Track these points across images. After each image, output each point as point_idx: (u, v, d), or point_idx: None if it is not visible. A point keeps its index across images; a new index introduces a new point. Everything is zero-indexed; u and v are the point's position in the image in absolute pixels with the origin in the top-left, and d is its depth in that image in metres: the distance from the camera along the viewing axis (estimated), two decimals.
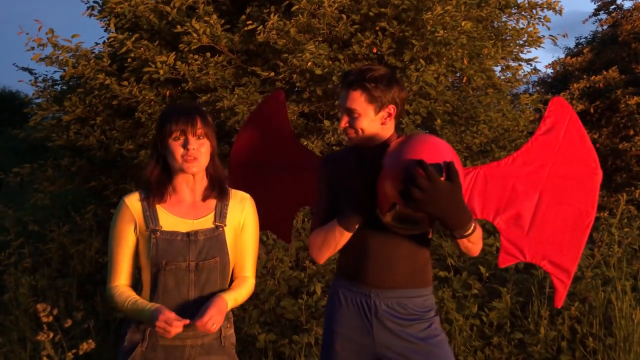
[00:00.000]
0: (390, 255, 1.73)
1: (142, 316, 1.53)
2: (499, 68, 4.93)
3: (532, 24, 4.81)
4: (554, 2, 4.71)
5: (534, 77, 10.18)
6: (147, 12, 4.10)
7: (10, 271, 3.84)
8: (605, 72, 8.20)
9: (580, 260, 3.28)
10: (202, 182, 1.64)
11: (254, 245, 1.72)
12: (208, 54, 4.01)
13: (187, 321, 1.47)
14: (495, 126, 4.28)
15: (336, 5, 3.80)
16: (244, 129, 2.21)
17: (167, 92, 4.28)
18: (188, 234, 1.58)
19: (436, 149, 1.47)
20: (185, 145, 1.55)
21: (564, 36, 5.59)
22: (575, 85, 8.24)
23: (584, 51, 9.43)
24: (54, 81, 5.01)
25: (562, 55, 11.50)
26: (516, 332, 3.04)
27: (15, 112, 13.12)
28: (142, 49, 4.03)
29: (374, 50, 3.93)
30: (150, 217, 1.58)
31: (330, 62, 3.80)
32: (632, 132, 8.19)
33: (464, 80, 4.45)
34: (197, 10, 4.01)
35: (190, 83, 4.00)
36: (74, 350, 2.05)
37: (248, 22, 3.92)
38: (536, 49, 4.88)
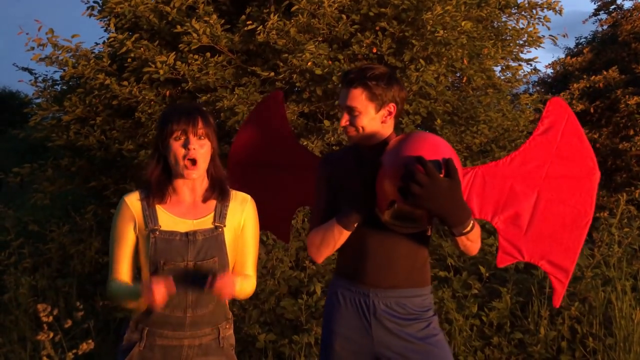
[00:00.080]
0: (389, 254, 1.73)
1: (136, 293, 1.52)
2: (499, 68, 4.93)
3: (532, 24, 4.81)
4: (554, 2, 4.71)
5: (534, 77, 10.18)
6: (147, 12, 4.11)
7: (10, 271, 3.84)
8: (605, 72, 8.20)
9: (580, 260, 3.31)
10: (203, 183, 1.64)
11: (254, 246, 1.72)
12: (208, 54, 4.01)
13: (172, 280, 1.46)
14: (495, 126, 4.28)
15: (336, 5, 3.80)
16: (243, 129, 2.21)
17: (167, 92, 4.28)
18: (187, 234, 1.58)
19: (435, 147, 1.48)
20: (186, 145, 1.55)
21: (564, 36, 5.59)
22: (575, 85, 8.24)
23: (584, 51, 9.43)
24: (54, 81, 5.02)
25: (562, 55, 11.51)
26: (516, 332, 3.04)
27: (15, 112, 13.12)
28: (142, 49, 4.04)
29: (374, 50, 3.93)
30: (149, 216, 1.58)
31: (330, 62, 3.80)
32: (632, 132, 8.19)
33: (464, 80, 4.45)
34: (197, 10, 4.01)
35: (190, 83, 4.00)
36: (74, 350, 2.05)
37: (248, 22, 3.92)
38: (536, 49, 4.89)
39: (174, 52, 4.00)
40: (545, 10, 4.77)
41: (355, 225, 1.68)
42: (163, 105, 4.22)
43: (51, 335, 2.02)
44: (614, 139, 8.31)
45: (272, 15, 3.82)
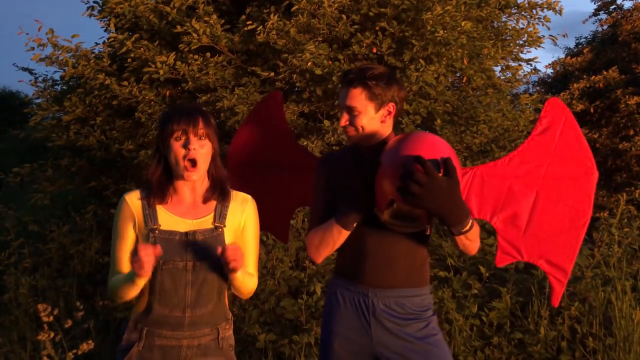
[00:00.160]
0: (388, 254, 1.73)
1: (127, 279, 1.51)
2: (498, 68, 4.93)
3: (532, 24, 4.81)
4: (554, 2, 4.71)
5: (534, 77, 10.18)
6: (147, 12, 4.11)
7: (10, 271, 3.84)
8: (605, 72, 8.20)
9: (580, 260, 3.31)
10: (203, 183, 1.64)
11: (255, 245, 1.72)
12: (208, 54, 4.01)
13: (159, 247, 1.44)
14: (495, 126, 4.27)
15: (336, 5, 3.81)
16: (242, 129, 2.21)
17: (167, 92, 4.28)
18: (186, 234, 1.58)
19: (434, 146, 1.48)
20: (186, 146, 1.55)
21: (564, 36, 5.59)
22: (575, 85, 8.24)
23: (584, 51, 9.43)
24: (54, 81, 5.02)
25: (562, 55, 11.51)
26: (516, 332, 3.04)
27: (15, 112, 13.12)
28: (142, 49, 4.04)
29: (374, 51, 3.93)
30: (149, 215, 1.59)
31: (330, 62, 3.80)
32: (632, 132, 8.19)
33: (463, 80, 4.45)
34: (197, 11, 4.01)
35: (190, 83, 4.00)
36: (74, 350, 2.05)
37: (248, 22, 3.92)
38: (536, 49, 4.89)
39: (174, 52, 4.00)
40: (545, 10, 4.78)
41: (355, 225, 1.68)
42: (163, 105, 4.22)
43: (51, 335, 2.03)
44: (614, 139, 8.31)
45: (272, 15, 3.82)
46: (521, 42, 4.83)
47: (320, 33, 3.96)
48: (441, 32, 3.76)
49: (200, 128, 1.56)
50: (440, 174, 1.42)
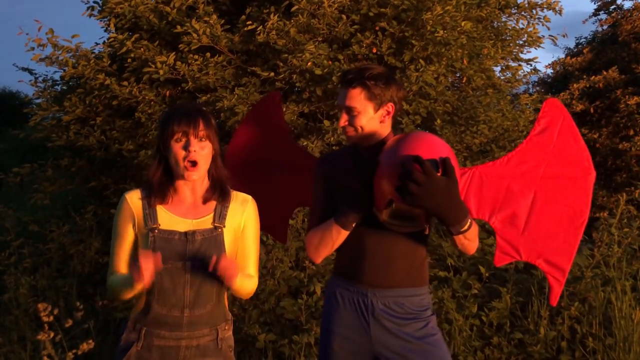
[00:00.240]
0: (387, 254, 1.73)
1: (127, 283, 1.52)
2: (498, 68, 4.94)
3: (532, 24, 4.81)
4: (554, 2, 4.71)
5: (534, 77, 10.18)
6: (147, 12, 4.11)
7: (10, 271, 3.84)
8: (605, 72, 8.19)
9: (580, 260, 3.31)
10: (204, 183, 1.65)
11: (255, 246, 1.72)
12: (208, 54, 4.01)
13: (160, 256, 1.45)
14: (495, 126, 4.28)
15: (336, 5, 3.81)
16: (240, 129, 2.21)
17: (167, 92, 4.28)
18: (186, 234, 1.58)
19: (432, 146, 1.49)
20: (186, 147, 1.55)
21: (564, 36, 5.59)
22: (575, 85, 8.24)
23: (584, 51, 9.42)
24: (54, 81, 5.02)
25: (562, 55, 11.50)
26: (516, 332, 3.04)
27: (15, 112, 13.12)
28: (142, 49, 4.04)
29: (374, 51, 3.93)
30: (149, 215, 1.59)
31: (330, 62, 3.80)
32: (632, 132, 8.19)
33: (463, 81, 4.45)
34: (197, 11, 4.01)
35: (190, 83, 4.00)
36: (74, 350, 2.05)
37: (248, 22, 3.92)
38: (536, 49, 4.89)
39: (174, 52, 4.00)
40: (545, 10, 4.78)
41: (354, 225, 1.68)
42: (163, 105, 4.22)
43: (51, 335, 2.02)
44: (614, 139, 8.31)
45: (272, 16, 3.82)
46: (521, 42, 4.83)
47: (320, 33, 3.96)
48: (441, 32, 3.76)
49: (201, 130, 1.56)
50: (439, 174, 1.43)
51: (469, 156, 4.27)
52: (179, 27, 3.92)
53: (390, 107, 1.72)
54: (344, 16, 3.89)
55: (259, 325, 3.04)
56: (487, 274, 3.26)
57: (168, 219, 1.59)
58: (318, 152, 3.65)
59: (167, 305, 1.55)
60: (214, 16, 3.92)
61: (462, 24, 3.87)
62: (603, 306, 3.11)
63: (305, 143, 3.71)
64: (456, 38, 3.90)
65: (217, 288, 1.61)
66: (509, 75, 4.95)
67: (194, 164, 1.56)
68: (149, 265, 1.42)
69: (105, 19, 4.48)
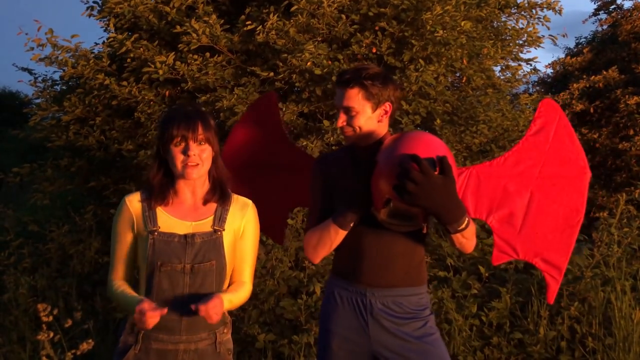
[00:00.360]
0: (386, 253, 1.73)
1: (129, 308, 1.54)
2: (498, 68, 4.93)
3: (532, 23, 4.80)
4: (554, 2, 4.71)
5: (534, 77, 10.16)
6: (147, 12, 4.11)
7: (9, 271, 3.84)
8: (605, 72, 8.18)
9: (579, 260, 3.31)
10: (204, 185, 1.64)
11: (253, 252, 1.71)
12: (207, 54, 4.01)
13: (165, 310, 1.47)
14: (494, 126, 4.27)
15: (335, 5, 3.80)
16: (236, 130, 2.21)
17: (167, 92, 4.28)
18: (185, 236, 1.58)
19: (429, 145, 1.49)
20: (185, 152, 1.55)
21: (564, 36, 5.59)
22: (575, 85, 8.23)
23: (584, 51, 9.41)
24: (53, 81, 5.02)
25: (562, 55, 11.49)
26: (516, 332, 3.04)
27: (15, 112, 13.11)
28: (141, 49, 4.04)
29: (374, 50, 3.93)
30: (149, 217, 1.59)
31: (330, 62, 3.80)
32: (632, 132, 8.18)
33: (463, 80, 4.44)
34: (196, 10, 4.01)
35: (189, 83, 4.00)
36: (73, 351, 2.05)
37: (247, 22, 3.92)
38: (536, 48, 4.89)
39: (173, 52, 4.00)
40: (544, 10, 4.77)
41: (352, 225, 1.68)
42: (162, 105, 4.22)
43: (51, 335, 2.02)
44: (614, 139, 8.30)
45: (271, 15, 3.82)
46: (521, 42, 4.83)
47: (319, 33, 3.95)
48: (441, 32, 3.76)
49: (200, 133, 1.56)
50: (436, 172, 1.43)
51: (468, 156, 4.27)
52: (178, 27, 3.92)
53: (387, 106, 1.72)
54: (343, 16, 3.89)
55: (258, 325, 3.04)
56: (486, 274, 3.26)
57: (168, 221, 1.59)
58: (318, 152, 3.64)
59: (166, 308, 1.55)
60: (214, 16, 3.92)
61: (462, 23, 3.87)
62: (603, 306, 3.10)
63: (304, 143, 3.71)
64: (456, 38, 3.90)
65: (216, 291, 1.61)
66: (509, 75, 4.95)
67: (193, 165, 1.56)
68: (154, 320, 1.45)
69: (105, 19, 4.48)
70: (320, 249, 1.74)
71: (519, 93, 6.96)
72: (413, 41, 3.87)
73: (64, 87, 4.95)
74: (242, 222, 1.67)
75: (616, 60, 8.84)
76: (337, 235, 1.70)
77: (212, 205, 1.64)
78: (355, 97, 1.69)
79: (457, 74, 4.55)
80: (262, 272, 3.31)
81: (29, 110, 4.78)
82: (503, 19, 4.93)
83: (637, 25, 8.82)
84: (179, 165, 1.55)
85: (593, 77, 8.21)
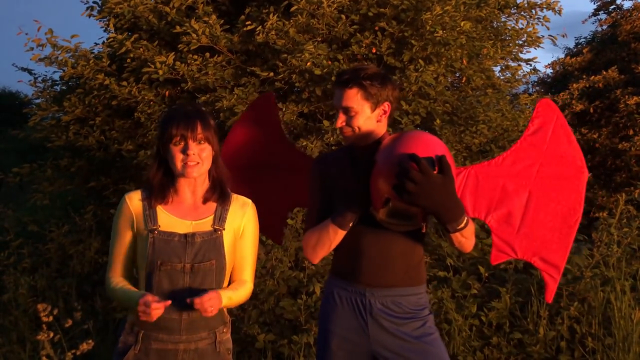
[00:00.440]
0: (385, 253, 1.74)
1: (131, 303, 1.54)
2: (498, 68, 4.94)
3: (532, 24, 4.81)
4: (553, 2, 4.71)
5: (534, 77, 10.17)
6: (147, 12, 4.11)
7: (9, 271, 3.85)
8: (604, 72, 8.19)
9: (579, 260, 3.31)
10: (204, 184, 1.65)
11: (253, 251, 1.71)
12: (207, 54, 4.01)
13: (168, 302, 1.47)
14: (494, 126, 4.28)
15: (335, 5, 3.81)
16: (234, 130, 2.20)
17: (167, 93, 4.28)
18: (185, 236, 1.58)
19: (428, 144, 1.50)
20: (184, 151, 1.55)
21: (564, 36, 5.59)
22: (574, 85, 8.23)
23: (584, 51, 9.42)
24: (53, 81, 5.02)
25: (562, 55, 11.50)
26: (515, 332, 3.04)
27: (14, 112, 13.11)
28: (141, 49, 4.04)
29: (373, 51, 3.93)
30: (149, 216, 1.59)
31: (330, 62, 3.80)
32: (631, 132, 8.18)
33: (463, 81, 4.45)
34: (196, 11, 4.01)
35: (189, 83, 4.00)
36: (73, 351, 2.05)
37: (247, 23, 3.92)
38: (535, 49, 4.89)
39: (173, 53, 4.00)
40: (544, 10, 4.77)
41: (351, 225, 1.68)
42: (162, 105, 4.22)
43: (50, 335, 2.03)
44: (614, 139, 8.30)
45: (271, 16, 3.82)
46: (520, 42, 4.83)
47: (319, 33, 3.96)
48: (440, 32, 3.76)
49: (199, 133, 1.56)
50: (435, 172, 1.43)
51: (468, 156, 4.27)
52: (178, 27, 3.92)
53: (386, 106, 1.73)
54: (343, 16, 3.89)
55: (258, 325, 3.04)
56: (486, 274, 3.26)
57: (168, 220, 1.59)
58: (318, 152, 3.65)
59: (165, 308, 1.55)
60: (214, 16, 3.92)
61: (462, 24, 3.87)
62: (602, 306, 3.10)
63: (304, 143, 3.71)
64: (455, 38, 3.90)
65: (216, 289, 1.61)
66: (509, 75, 4.95)
67: (193, 164, 1.56)
68: (159, 306, 1.45)
69: (105, 19, 4.48)
70: (319, 249, 1.74)
71: (518, 93, 6.96)
72: (413, 41, 3.87)
73: (63, 87, 4.96)
74: (242, 222, 1.67)
75: (616, 61, 8.85)
76: (336, 236, 1.70)
77: (212, 205, 1.65)
78: (354, 98, 1.69)
79: (457, 74, 4.55)
80: (262, 272, 3.31)
81: (29, 110, 4.78)
82: (503, 19, 4.93)
83: (636, 25, 8.82)
84: (179, 164, 1.56)
85: (593, 77, 8.21)
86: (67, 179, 4.82)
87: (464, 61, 4.17)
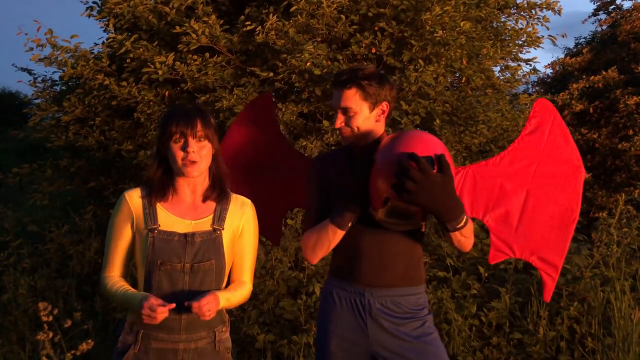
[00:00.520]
0: (384, 253, 1.74)
1: (132, 305, 1.53)
2: (498, 68, 4.94)
3: (531, 24, 4.81)
4: (553, 2, 4.71)
5: (533, 77, 10.19)
6: (146, 12, 4.11)
7: (9, 272, 3.84)
8: (604, 72, 8.19)
9: (579, 260, 3.31)
10: (204, 182, 1.65)
11: (252, 251, 1.71)
12: (207, 55, 4.01)
13: (173, 305, 1.47)
14: (494, 126, 4.28)
15: (335, 5, 3.81)
16: (231, 131, 2.20)
17: (166, 93, 4.28)
18: (185, 235, 1.58)
19: (427, 143, 1.50)
20: (184, 148, 1.55)
21: (563, 36, 5.59)
22: (574, 85, 8.24)
23: (584, 51, 9.42)
24: (53, 82, 5.03)
25: (562, 56, 11.51)
26: (515, 332, 3.04)
27: (14, 112, 13.11)
28: (141, 49, 4.04)
29: (373, 51, 3.93)
30: (149, 215, 1.59)
31: (329, 63, 3.80)
32: (631, 132, 8.17)
33: (463, 81, 4.45)
34: (196, 11, 4.01)
35: (189, 83, 4.00)
36: (72, 351, 2.05)
37: (247, 23, 3.92)
38: (535, 49, 4.89)
39: (173, 53, 4.00)
40: (544, 10, 4.78)
41: (350, 225, 1.68)
42: (162, 105, 4.22)
43: (50, 335, 2.02)
44: (613, 139, 8.30)
45: (271, 16, 3.82)
46: (520, 42, 4.84)
47: (319, 33, 3.96)
48: (440, 32, 3.77)
49: (199, 130, 1.56)
50: (434, 171, 1.43)
51: (468, 156, 4.27)
52: (178, 27, 3.92)
53: (385, 106, 1.73)
54: (343, 16, 3.89)
55: (258, 325, 3.04)
56: (486, 274, 3.26)
57: (168, 219, 1.59)
58: (317, 152, 3.64)
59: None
60: (213, 16, 3.92)
61: (461, 24, 3.87)
62: (602, 306, 3.10)
63: (304, 143, 3.71)
64: (455, 38, 3.90)
65: (214, 290, 1.61)
66: (508, 75, 4.96)
67: (193, 163, 1.56)
68: (164, 310, 1.45)
69: (104, 19, 4.48)
70: (318, 250, 1.74)
71: (518, 93, 6.96)
72: (412, 41, 3.87)
73: (63, 88, 4.96)
74: (241, 221, 1.67)
75: (616, 61, 8.85)
76: (335, 236, 1.70)
77: (211, 204, 1.65)
78: (353, 98, 1.69)
79: (457, 74, 4.55)
80: (261, 273, 3.31)
81: (29, 110, 4.79)
82: (502, 19, 4.94)
83: (636, 25, 8.82)
84: (179, 162, 1.56)
85: (592, 77, 8.21)
86: (67, 179, 4.82)
87: (464, 61, 4.17)
